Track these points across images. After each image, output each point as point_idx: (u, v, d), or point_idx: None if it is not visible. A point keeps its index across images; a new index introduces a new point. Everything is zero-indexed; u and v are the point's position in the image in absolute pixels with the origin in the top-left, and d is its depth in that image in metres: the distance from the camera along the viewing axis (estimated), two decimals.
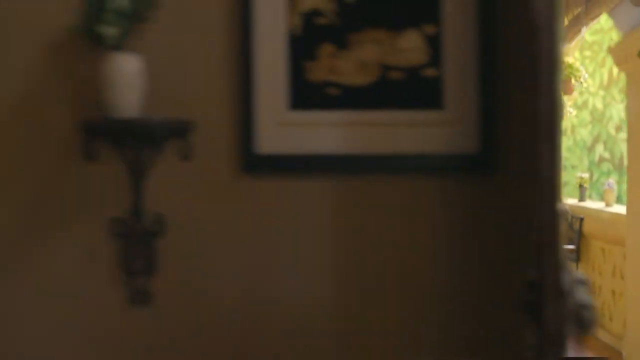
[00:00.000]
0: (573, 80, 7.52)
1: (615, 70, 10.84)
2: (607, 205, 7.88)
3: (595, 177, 12.06)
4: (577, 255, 7.49)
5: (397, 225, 2.32)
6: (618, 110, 11.97)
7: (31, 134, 2.34)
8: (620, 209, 7.08)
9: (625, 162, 7.05)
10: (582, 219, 7.64)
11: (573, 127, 12.42)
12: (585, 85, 8.29)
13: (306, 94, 2.29)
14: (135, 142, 2.28)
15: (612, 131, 12.25)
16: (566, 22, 5.77)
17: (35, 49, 2.33)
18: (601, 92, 12.19)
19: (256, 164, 2.29)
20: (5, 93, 2.34)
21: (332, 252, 2.32)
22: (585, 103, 12.25)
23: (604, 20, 7.72)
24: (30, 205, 2.34)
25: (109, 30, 2.13)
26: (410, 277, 2.32)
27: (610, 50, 6.45)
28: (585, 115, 12.37)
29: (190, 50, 2.32)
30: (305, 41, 2.29)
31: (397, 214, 2.32)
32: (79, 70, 2.33)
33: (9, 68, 2.34)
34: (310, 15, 2.29)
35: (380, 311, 2.32)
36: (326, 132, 2.29)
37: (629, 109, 6.33)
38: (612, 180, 9.05)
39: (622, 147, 11.25)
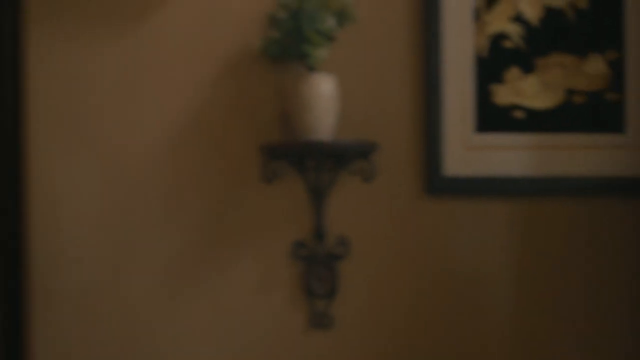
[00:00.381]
0: None
1: None
2: None
3: None
4: None
5: (578, 246, 2.33)
6: None
7: (210, 154, 2.29)
8: None
9: None
10: None
11: None
12: None
13: (492, 117, 2.30)
14: (320, 164, 2.26)
15: None
16: None
17: (214, 69, 2.30)
18: None
19: (442, 186, 2.29)
20: (183, 113, 2.29)
21: (515, 273, 2.32)
22: None
23: None
24: (209, 227, 2.29)
25: (317, 52, 2.11)
26: (594, 297, 2.33)
27: None
28: None
29: (374, 70, 2.31)
30: (491, 64, 2.30)
31: (578, 234, 2.33)
32: (256, 91, 2.30)
33: (188, 88, 2.29)
34: (497, 38, 2.30)
35: (565, 332, 2.33)
36: (511, 155, 2.30)
37: None
38: None
39: None
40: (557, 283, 2.33)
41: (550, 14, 2.30)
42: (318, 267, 2.29)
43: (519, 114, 2.30)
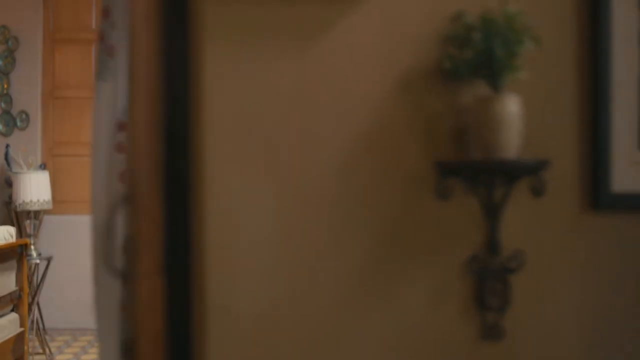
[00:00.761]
0: None
1: None
2: None
3: None
4: None
5: None
6: None
7: (385, 170, 2.33)
8: None
9: None
10: None
11: None
12: None
13: None
14: (494, 180, 2.31)
15: None
16: None
17: (390, 86, 2.32)
18: None
19: (608, 202, 2.37)
20: (359, 129, 2.31)
21: None
22: None
23: None
24: (384, 243, 2.33)
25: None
26: None
27: None
28: None
29: (543, 88, 2.37)
30: None
31: None
32: (432, 108, 2.34)
33: (364, 105, 2.32)
34: None
35: None
36: None
37: None
38: None
39: None
40: None
41: None
42: (491, 280, 2.35)
43: None
